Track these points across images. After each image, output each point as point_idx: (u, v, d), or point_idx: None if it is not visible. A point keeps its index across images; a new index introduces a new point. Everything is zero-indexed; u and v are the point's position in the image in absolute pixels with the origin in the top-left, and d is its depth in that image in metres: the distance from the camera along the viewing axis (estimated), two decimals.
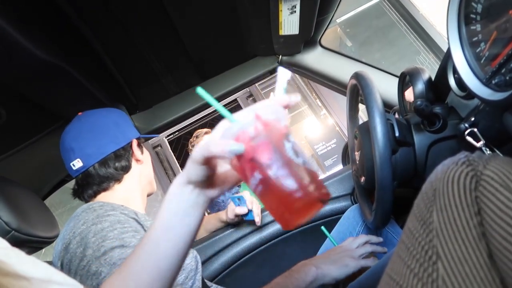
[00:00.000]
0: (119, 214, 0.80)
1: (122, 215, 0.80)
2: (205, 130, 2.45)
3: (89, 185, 0.94)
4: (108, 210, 0.80)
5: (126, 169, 0.97)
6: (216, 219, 1.26)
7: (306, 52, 1.37)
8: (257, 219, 1.14)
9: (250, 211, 1.14)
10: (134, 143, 1.00)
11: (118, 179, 0.95)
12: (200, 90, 0.44)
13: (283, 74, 0.49)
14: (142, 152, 1.04)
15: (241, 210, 1.13)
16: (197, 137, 2.42)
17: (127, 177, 0.97)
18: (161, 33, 1.10)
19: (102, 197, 0.95)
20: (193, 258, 0.93)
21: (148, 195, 1.06)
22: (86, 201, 0.96)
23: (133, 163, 1.00)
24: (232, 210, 1.16)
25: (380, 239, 0.98)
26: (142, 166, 1.02)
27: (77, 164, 0.92)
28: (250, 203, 1.14)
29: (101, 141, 0.94)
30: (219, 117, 0.44)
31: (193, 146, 2.40)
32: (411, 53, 2.91)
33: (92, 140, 0.93)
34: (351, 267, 0.89)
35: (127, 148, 0.98)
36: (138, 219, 0.83)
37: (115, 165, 0.94)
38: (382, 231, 1.07)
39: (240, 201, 1.14)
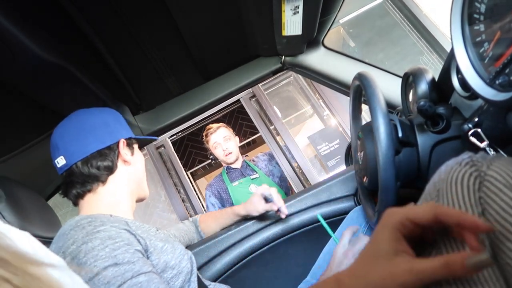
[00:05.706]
0: (110, 228, 0.77)
1: (113, 229, 0.78)
2: (217, 124, 2.43)
3: (73, 184, 0.92)
4: (98, 226, 0.77)
5: (110, 169, 0.94)
6: (232, 214, 1.25)
7: (309, 53, 1.37)
8: (283, 216, 1.16)
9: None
10: (122, 143, 0.97)
11: (101, 180, 0.92)
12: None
13: None
14: (132, 154, 1.00)
15: (273, 207, 1.15)
16: (206, 135, 2.41)
17: (112, 179, 0.94)
18: (164, 33, 1.11)
19: (88, 200, 0.92)
20: (188, 260, 0.93)
21: (138, 201, 1.02)
22: (73, 202, 0.94)
23: (120, 164, 0.96)
24: (263, 208, 1.17)
25: None
26: (130, 168, 0.98)
27: (60, 161, 0.91)
28: (278, 201, 1.15)
29: (86, 139, 0.92)
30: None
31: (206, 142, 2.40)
32: (415, 53, 2.90)
33: (77, 138, 0.91)
34: None
35: (113, 147, 0.95)
36: (130, 229, 0.82)
37: (98, 165, 0.91)
38: None
39: (270, 196, 1.16)
